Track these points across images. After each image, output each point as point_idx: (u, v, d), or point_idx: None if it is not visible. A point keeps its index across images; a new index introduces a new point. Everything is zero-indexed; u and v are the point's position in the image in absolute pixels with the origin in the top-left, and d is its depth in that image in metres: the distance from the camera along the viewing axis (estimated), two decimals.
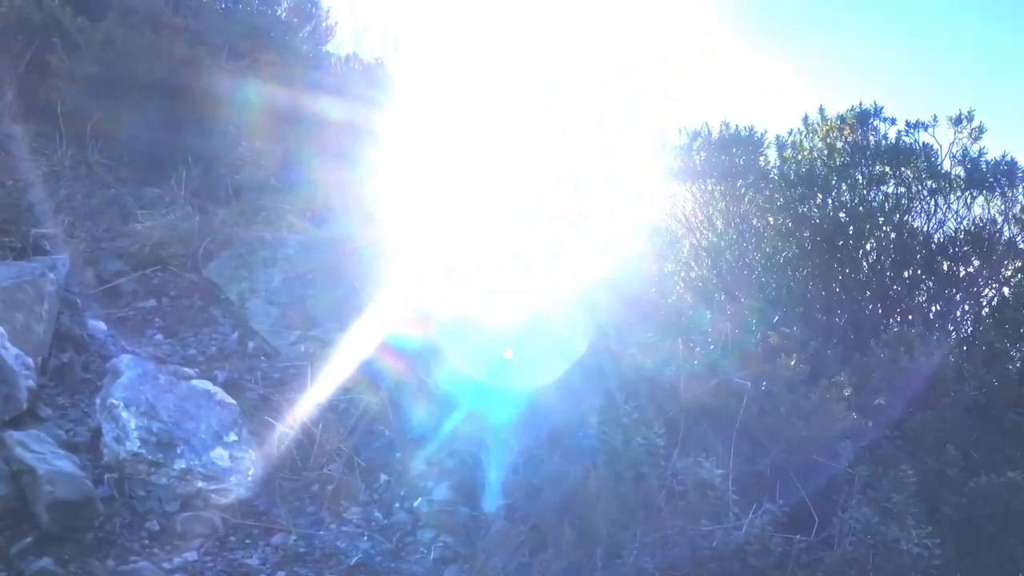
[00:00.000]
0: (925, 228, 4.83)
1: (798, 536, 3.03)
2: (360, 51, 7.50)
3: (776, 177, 4.76)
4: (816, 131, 4.93)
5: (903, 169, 4.60)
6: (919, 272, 4.90)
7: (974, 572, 3.18)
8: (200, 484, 3.37)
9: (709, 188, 4.77)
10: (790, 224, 4.64)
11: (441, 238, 4.93)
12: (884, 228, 4.64)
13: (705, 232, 4.85)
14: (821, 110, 4.88)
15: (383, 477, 3.77)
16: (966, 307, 5.03)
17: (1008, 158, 4.40)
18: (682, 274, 5.02)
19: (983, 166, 4.46)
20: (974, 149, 4.56)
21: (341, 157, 5.95)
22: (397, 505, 3.61)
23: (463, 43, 7.66)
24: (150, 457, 3.32)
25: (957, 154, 4.63)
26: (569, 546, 2.99)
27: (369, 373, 4.14)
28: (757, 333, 4.01)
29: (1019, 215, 4.43)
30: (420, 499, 3.56)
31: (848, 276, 4.68)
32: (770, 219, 4.76)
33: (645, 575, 2.84)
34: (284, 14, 7.69)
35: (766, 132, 5.03)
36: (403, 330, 4.24)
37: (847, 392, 3.76)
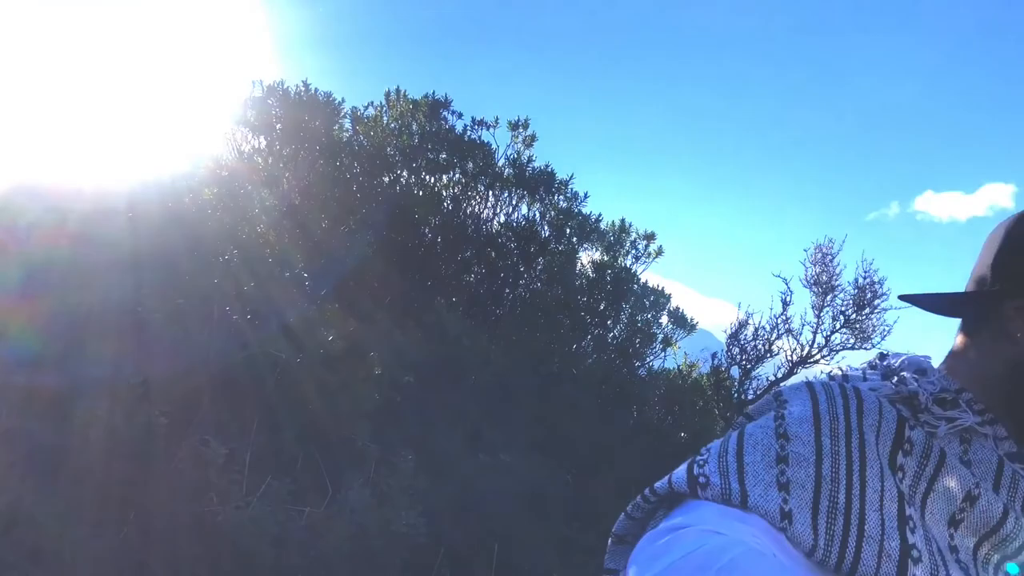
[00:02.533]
0: (480, 217, 5.22)
1: (308, 508, 3.08)
2: None
3: (348, 148, 4.75)
4: (395, 109, 5.02)
5: (466, 162, 4.89)
6: (471, 257, 5.30)
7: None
8: None
9: (279, 148, 4.59)
10: (358, 197, 4.69)
11: None
12: (443, 213, 4.90)
13: (273, 191, 4.68)
14: (399, 90, 4.96)
15: None
16: (506, 291, 5.58)
17: (549, 168, 4.91)
18: (247, 230, 4.81)
19: (530, 171, 4.91)
20: (525, 155, 5.01)
21: None
22: None
23: None
24: None
25: (511, 156, 5.05)
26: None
27: None
28: (305, 304, 3.97)
29: (553, 219, 4.96)
30: None
31: (406, 254, 4.87)
32: (336, 190, 4.75)
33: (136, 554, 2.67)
34: None
35: (344, 100, 4.97)
36: None
37: (378, 371, 3.91)
